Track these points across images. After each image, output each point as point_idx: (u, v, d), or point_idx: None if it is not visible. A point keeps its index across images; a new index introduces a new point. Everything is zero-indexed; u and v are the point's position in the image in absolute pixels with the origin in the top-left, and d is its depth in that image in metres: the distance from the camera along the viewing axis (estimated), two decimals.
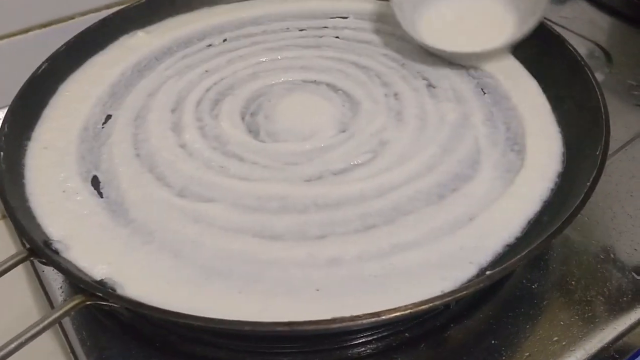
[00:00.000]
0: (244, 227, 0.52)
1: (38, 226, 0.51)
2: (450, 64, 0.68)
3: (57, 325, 0.54)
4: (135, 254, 0.50)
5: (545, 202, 0.53)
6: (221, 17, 0.76)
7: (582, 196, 0.49)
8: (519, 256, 0.47)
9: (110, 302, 0.44)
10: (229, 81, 0.67)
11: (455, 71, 0.67)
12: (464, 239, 0.50)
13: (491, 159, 0.57)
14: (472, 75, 0.67)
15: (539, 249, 0.47)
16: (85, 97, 0.65)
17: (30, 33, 0.76)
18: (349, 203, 0.53)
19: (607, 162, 0.52)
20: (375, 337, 0.50)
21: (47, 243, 0.49)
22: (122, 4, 0.77)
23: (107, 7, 0.80)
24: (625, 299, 0.53)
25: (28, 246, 0.47)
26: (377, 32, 0.73)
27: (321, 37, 0.73)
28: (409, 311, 0.41)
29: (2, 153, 0.55)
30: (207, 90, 0.66)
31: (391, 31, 0.73)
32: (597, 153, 0.53)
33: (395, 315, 0.41)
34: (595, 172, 0.51)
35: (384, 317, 0.41)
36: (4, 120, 0.58)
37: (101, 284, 0.46)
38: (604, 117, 0.56)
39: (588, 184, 0.50)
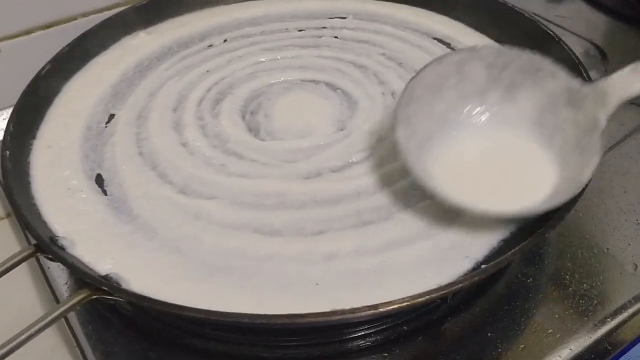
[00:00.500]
0: (244, 223, 0.53)
1: (44, 223, 0.52)
2: None
3: (62, 320, 0.55)
4: (138, 250, 0.51)
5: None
6: (221, 17, 0.78)
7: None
8: (513, 250, 0.48)
9: (115, 296, 0.45)
10: (229, 81, 0.68)
11: None
12: (459, 234, 0.51)
13: None
14: None
15: (533, 242, 0.48)
16: (88, 97, 0.66)
17: (33, 34, 0.77)
18: (346, 200, 0.54)
19: (601, 159, 0.53)
20: (373, 330, 0.51)
21: (53, 239, 0.50)
22: (123, 5, 0.78)
23: (108, 8, 0.81)
24: (618, 292, 0.54)
25: (34, 242, 0.48)
26: (376, 32, 0.74)
27: (320, 37, 0.74)
28: (406, 303, 0.42)
29: (7, 152, 0.55)
30: (208, 89, 0.67)
31: (389, 31, 0.74)
32: None
33: (393, 308, 0.42)
34: None
35: (381, 310, 0.42)
36: (9, 120, 0.59)
37: (106, 279, 0.47)
38: None
39: None
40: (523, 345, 0.51)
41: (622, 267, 0.56)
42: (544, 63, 0.55)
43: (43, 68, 0.65)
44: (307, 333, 0.51)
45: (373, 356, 0.50)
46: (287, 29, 0.76)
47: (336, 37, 0.74)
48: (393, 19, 0.75)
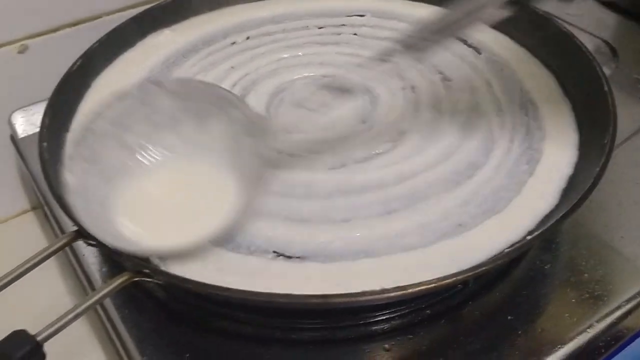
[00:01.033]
0: (274, 211, 0.55)
1: None
2: (463, 58, 0.71)
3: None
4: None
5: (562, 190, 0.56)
6: (243, 15, 0.79)
7: (591, 181, 0.52)
8: (532, 236, 0.50)
9: (156, 279, 0.47)
10: (252, 77, 0.70)
11: (469, 65, 0.70)
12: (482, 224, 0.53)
13: (505, 147, 0.60)
14: (486, 68, 0.70)
15: (550, 230, 0.50)
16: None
17: (59, 32, 0.79)
18: (371, 189, 0.56)
19: (614, 152, 0.55)
20: (398, 313, 0.53)
21: None
22: (147, 4, 0.80)
23: (132, 6, 0.83)
24: (633, 279, 0.56)
25: (74, 229, 0.50)
26: (394, 29, 0.76)
27: (339, 34, 0.76)
28: (433, 285, 0.45)
29: (45, 144, 0.58)
30: (233, 85, 0.69)
31: (408, 29, 0.75)
32: (605, 142, 0.55)
33: (421, 289, 0.45)
34: (603, 159, 0.54)
35: (410, 291, 0.44)
36: (44, 114, 0.61)
37: (146, 262, 0.49)
38: (611, 108, 0.58)
39: (597, 169, 0.53)
40: (541, 329, 0.53)
41: (635, 254, 0.58)
42: (226, 93, 0.58)
43: (74, 64, 0.67)
44: (335, 315, 0.53)
45: (398, 338, 0.52)
46: (307, 26, 0.78)
47: (355, 34, 0.76)
48: (411, 17, 0.77)
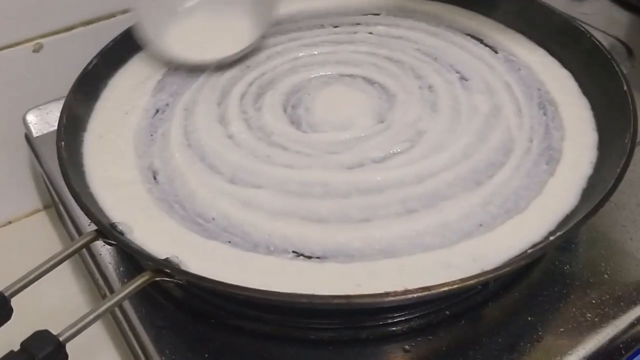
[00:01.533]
0: (292, 211, 0.55)
1: (101, 210, 0.55)
2: (481, 58, 0.71)
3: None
4: (192, 235, 0.53)
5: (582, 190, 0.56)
6: None
7: (612, 182, 0.52)
8: (555, 236, 0.50)
9: (177, 279, 0.47)
10: (269, 76, 0.70)
11: (487, 64, 0.70)
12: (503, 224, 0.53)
13: (525, 147, 0.60)
14: (503, 68, 0.69)
15: (573, 231, 0.50)
16: (134, 91, 0.68)
17: (73, 30, 0.79)
18: (389, 189, 0.56)
19: (633, 154, 0.54)
20: (418, 314, 0.53)
21: (113, 225, 0.52)
22: None
23: None
24: None
25: (94, 228, 0.50)
26: (409, 27, 0.76)
27: (355, 33, 0.76)
28: (457, 286, 0.44)
29: (62, 143, 0.58)
30: (250, 84, 0.69)
31: (423, 27, 0.75)
32: (626, 141, 0.55)
33: (444, 290, 0.44)
34: (624, 159, 0.53)
35: (434, 292, 0.44)
36: (61, 113, 0.61)
37: (167, 261, 0.49)
38: (631, 107, 0.58)
39: (618, 170, 0.52)
40: (562, 329, 0.52)
41: None
42: None
43: (90, 62, 0.67)
44: (355, 316, 0.53)
45: (418, 339, 0.52)
46: (322, 25, 0.78)
47: (371, 32, 0.76)
48: (426, 15, 0.77)
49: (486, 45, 0.73)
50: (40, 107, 0.76)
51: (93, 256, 0.62)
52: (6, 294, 0.46)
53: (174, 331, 0.54)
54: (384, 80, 0.68)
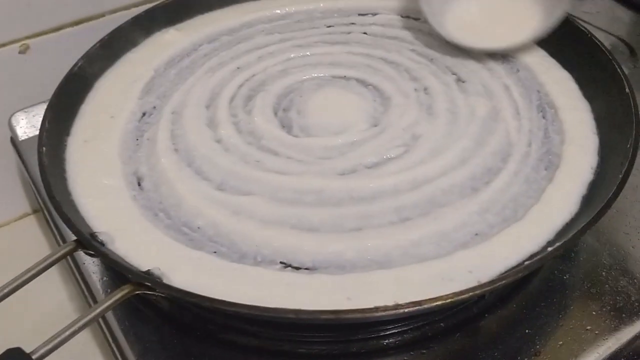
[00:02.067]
0: (282, 220, 0.53)
1: (82, 219, 0.53)
2: (479, 59, 0.69)
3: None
4: (177, 245, 0.51)
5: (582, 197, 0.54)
6: (250, 14, 0.77)
7: (614, 189, 0.50)
8: (553, 247, 0.48)
9: (158, 292, 0.45)
10: (260, 77, 0.68)
11: (485, 66, 0.68)
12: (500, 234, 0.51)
13: (523, 152, 0.58)
14: (502, 69, 0.68)
15: (572, 241, 0.48)
16: (121, 94, 0.66)
17: (61, 31, 0.77)
18: (383, 196, 0.54)
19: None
20: (411, 326, 0.51)
21: (93, 235, 0.50)
22: (150, 3, 0.78)
23: (136, 5, 0.81)
24: None
25: (74, 238, 0.49)
26: (405, 28, 0.74)
27: (349, 33, 0.74)
28: (450, 300, 0.43)
29: (44, 148, 0.56)
30: (240, 86, 0.67)
31: (419, 27, 0.74)
32: (628, 146, 0.53)
33: (437, 304, 0.43)
34: (627, 164, 0.52)
35: (425, 306, 0.42)
36: (44, 117, 0.59)
37: (148, 274, 0.47)
38: (634, 110, 0.56)
39: (620, 176, 0.51)
40: (561, 342, 0.51)
41: None
42: None
43: (75, 64, 0.65)
44: (345, 329, 0.51)
45: (412, 352, 0.50)
46: (316, 25, 0.76)
47: (365, 33, 0.74)
48: (422, 15, 0.75)
49: None
50: (27, 110, 0.74)
51: (77, 265, 0.60)
52: None
53: (159, 344, 0.52)
54: (379, 82, 0.66)
